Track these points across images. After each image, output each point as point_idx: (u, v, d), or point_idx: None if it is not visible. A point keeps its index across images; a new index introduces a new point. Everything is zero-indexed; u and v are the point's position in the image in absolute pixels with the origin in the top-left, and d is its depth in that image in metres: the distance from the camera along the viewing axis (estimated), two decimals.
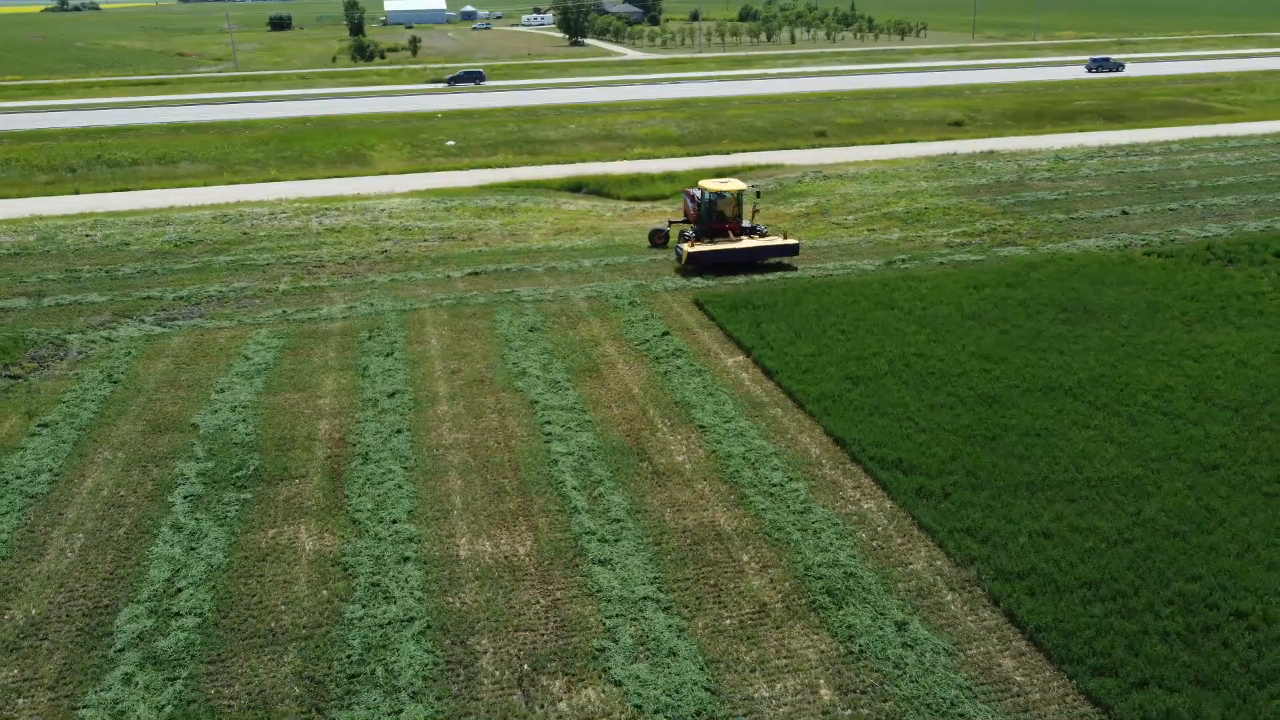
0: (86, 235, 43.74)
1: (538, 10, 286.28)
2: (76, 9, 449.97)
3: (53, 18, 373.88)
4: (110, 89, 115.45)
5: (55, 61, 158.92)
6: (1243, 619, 16.29)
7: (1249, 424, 23.30)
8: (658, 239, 41.61)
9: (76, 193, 55.03)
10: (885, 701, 14.92)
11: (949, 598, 17.31)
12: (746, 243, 37.90)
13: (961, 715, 14.55)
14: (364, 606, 17.35)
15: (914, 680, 15.27)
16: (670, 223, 42.04)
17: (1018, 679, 15.32)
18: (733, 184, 39.13)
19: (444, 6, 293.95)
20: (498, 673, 15.74)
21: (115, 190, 55.97)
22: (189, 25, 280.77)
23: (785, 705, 14.93)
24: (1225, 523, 19.12)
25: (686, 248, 37.11)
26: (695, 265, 37.09)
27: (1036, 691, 15.05)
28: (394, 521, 20.01)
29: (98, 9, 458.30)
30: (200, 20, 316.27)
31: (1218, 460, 21.55)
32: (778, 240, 38.07)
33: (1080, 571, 17.60)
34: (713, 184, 39.14)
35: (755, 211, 42.21)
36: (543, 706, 14.99)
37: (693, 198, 40.32)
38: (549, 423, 24.40)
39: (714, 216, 39.17)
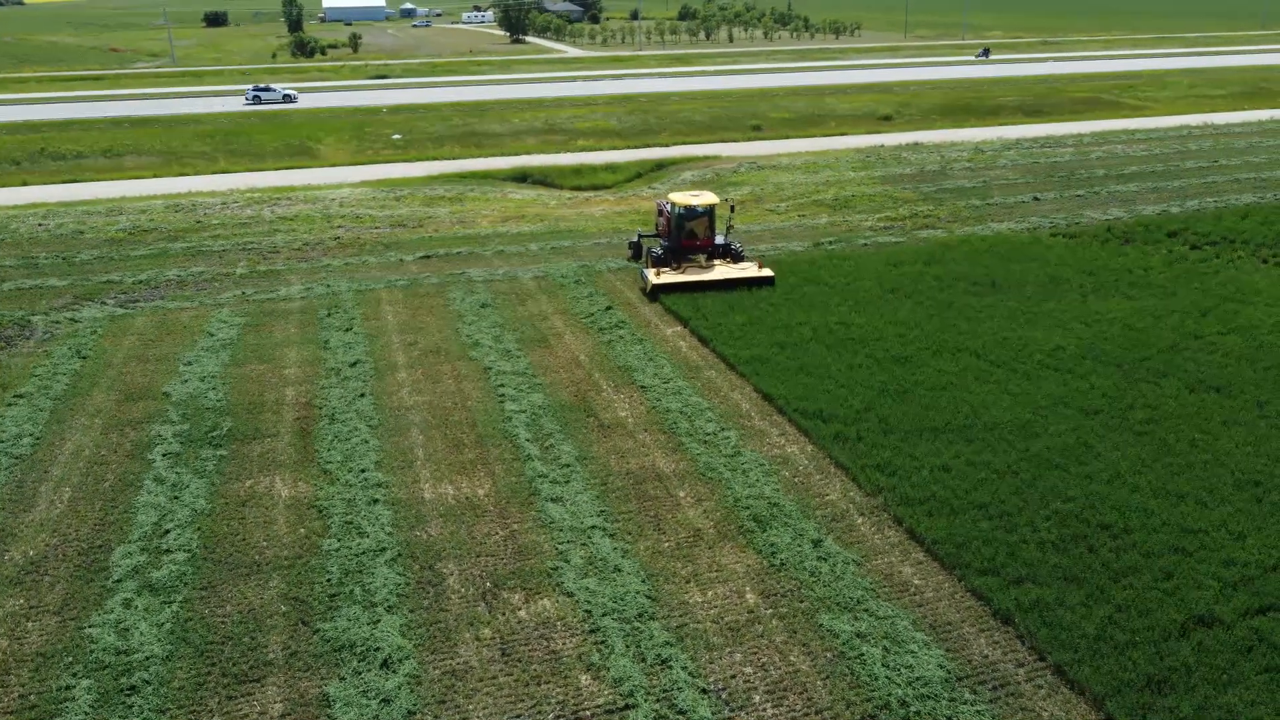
0: (39, 224, 44.55)
1: (478, 8, 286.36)
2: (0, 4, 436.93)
3: None
4: (46, 84, 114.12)
5: None
6: (1106, 529, 18.98)
7: (1128, 376, 26.22)
8: (633, 253, 38.45)
9: (24, 184, 55.48)
10: (802, 602, 17.29)
11: (859, 521, 19.76)
12: (717, 274, 34.16)
13: (866, 610, 16.95)
14: (339, 540, 19.24)
15: (827, 585, 17.66)
16: (641, 235, 38.49)
17: (915, 582, 17.80)
18: (705, 197, 35.03)
19: (383, 3, 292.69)
20: (463, 589, 17.78)
21: (63, 182, 56.50)
22: (118, 21, 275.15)
23: (715, 608, 17.21)
24: (1100, 456, 21.87)
25: (652, 277, 33.66)
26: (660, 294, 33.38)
27: (931, 590, 17.54)
28: (362, 470, 21.90)
29: (21, 4, 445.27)
30: (128, 16, 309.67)
31: (1099, 406, 24.38)
32: (752, 272, 34.17)
33: (973, 497, 20.18)
34: (683, 198, 34.91)
35: (730, 228, 38.27)
36: (504, 614, 17.08)
37: (662, 211, 36.40)
38: (502, 386, 26.44)
39: (684, 234, 35.08)
